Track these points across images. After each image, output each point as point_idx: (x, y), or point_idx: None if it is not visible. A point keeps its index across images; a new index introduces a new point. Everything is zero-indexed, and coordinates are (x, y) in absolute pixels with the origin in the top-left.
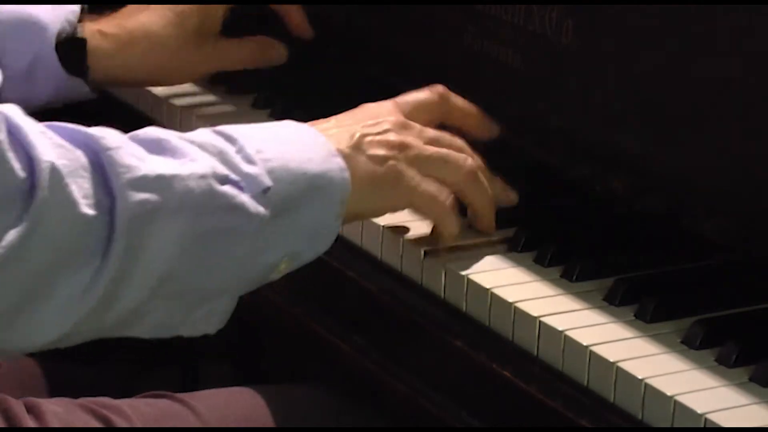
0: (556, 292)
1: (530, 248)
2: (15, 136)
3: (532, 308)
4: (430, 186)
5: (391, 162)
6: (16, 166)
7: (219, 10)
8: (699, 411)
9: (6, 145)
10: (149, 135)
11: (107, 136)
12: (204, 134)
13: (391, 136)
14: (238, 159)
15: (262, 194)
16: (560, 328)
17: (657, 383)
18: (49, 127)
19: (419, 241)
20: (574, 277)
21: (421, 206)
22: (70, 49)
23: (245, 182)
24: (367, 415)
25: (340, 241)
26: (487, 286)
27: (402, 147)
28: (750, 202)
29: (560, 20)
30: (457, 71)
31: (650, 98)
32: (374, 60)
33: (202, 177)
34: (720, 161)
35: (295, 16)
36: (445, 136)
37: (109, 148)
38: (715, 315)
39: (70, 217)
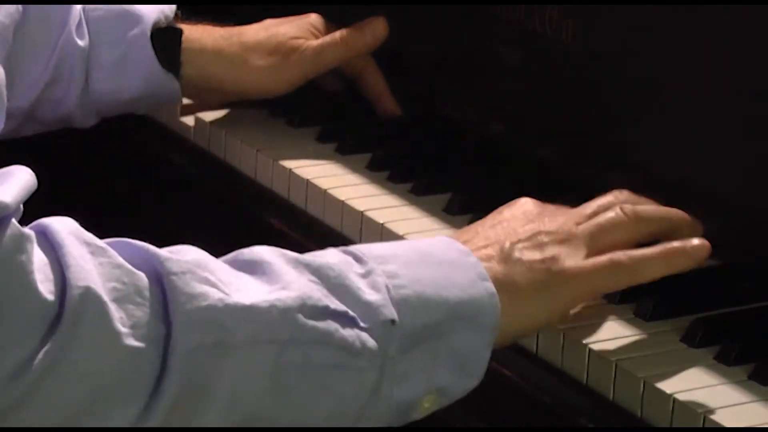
0: None
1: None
2: (54, 254)
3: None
4: (599, 259)
5: (548, 261)
6: (44, 289)
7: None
8: (698, 409)
9: (32, 266)
10: (254, 256)
11: (176, 257)
12: (329, 254)
13: (543, 237)
14: (357, 285)
15: (382, 326)
16: (559, 327)
17: (656, 381)
18: (113, 243)
19: None
20: None
21: (605, 283)
22: (165, 39)
23: (360, 313)
24: None
25: None
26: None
27: (557, 240)
28: (750, 202)
29: (560, 19)
30: (457, 70)
31: (650, 97)
32: (373, 59)
33: (285, 310)
34: (720, 161)
35: (385, 101)
36: (589, 204)
37: (172, 273)
38: (714, 313)
39: (107, 348)
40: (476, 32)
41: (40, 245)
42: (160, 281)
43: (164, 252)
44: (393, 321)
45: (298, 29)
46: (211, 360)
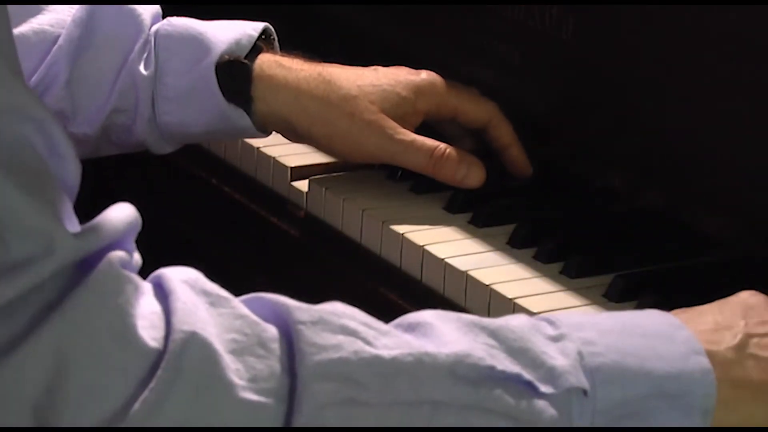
0: (556, 288)
1: (530, 245)
2: (165, 303)
3: (531, 304)
4: None
5: None
6: (146, 335)
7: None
8: None
9: (133, 311)
10: (417, 318)
11: (308, 306)
12: (515, 318)
13: None
14: (542, 349)
15: (567, 395)
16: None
17: None
18: (246, 300)
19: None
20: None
21: None
22: (232, 73)
23: (539, 377)
24: None
25: None
26: (487, 282)
27: None
28: (750, 199)
29: (561, 17)
30: (457, 68)
31: (650, 94)
32: (373, 58)
33: (435, 366)
34: (719, 157)
35: (514, 155)
36: None
37: (300, 322)
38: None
39: (216, 399)
40: (476, 29)
41: (155, 296)
42: (289, 333)
43: (297, 303)
44: (584, 391)
45: (400, 95)
46: (342, 419)
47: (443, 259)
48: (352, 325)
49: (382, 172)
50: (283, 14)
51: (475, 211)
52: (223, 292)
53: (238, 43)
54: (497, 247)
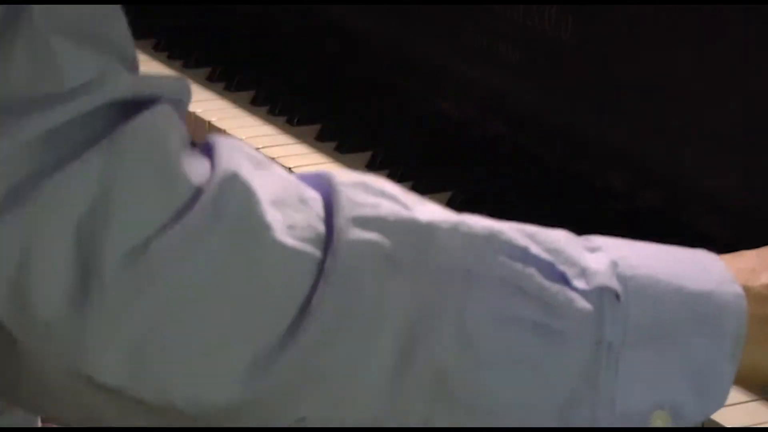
0: None
1: None
2: (209, 153)
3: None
4: None
5: None
6: (190, 171)
7: None
8: None
9: (181, 150)
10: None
11: (355, 175)
12: (553, 231)
13: None
14: (578, 251)
15: (600, 294)
16: None
17: None
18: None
19: None
20: None
21: None
22: None
23: (573, 273)
24: None
25: None
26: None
27: None
28: (749, 199)
29: (560, 17)
30: (456, 68)
31: (650, 94)
32: (373, 58)
33: (471, 236)
34: (719, 158)
35: None
36: None
37: (342, 183)
38: None
39: (252, 238)
40: (475, 29)
41: (201, 150)
42: (329, 196)
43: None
44: (617, 296)
45: None
46: (377, 277)
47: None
48: (392, 191)
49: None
50: (283, 14)
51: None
52: (267, 160)
53: None
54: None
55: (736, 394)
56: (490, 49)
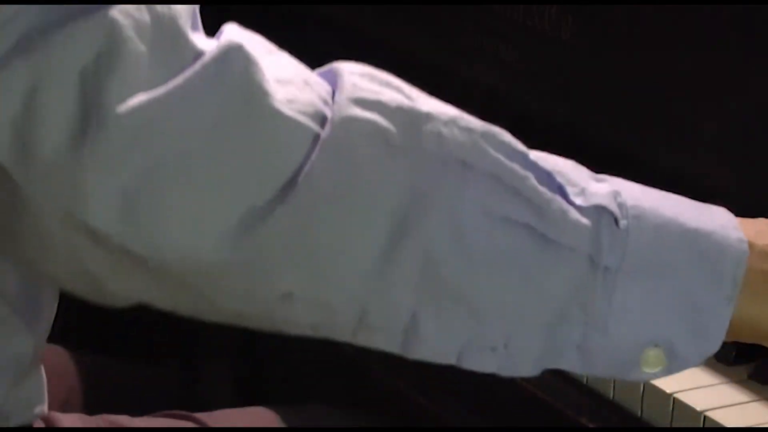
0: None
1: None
2: (220, 36)
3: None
4: None
5: None
6: (197, 40)
7: None
8: (698, 408)
9: (192, 25)
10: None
11: (365, 66)
12: (567, 160)
13: None
14: (582, 179)
15: (596, 212)
16: None
17: (656, 381)
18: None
19: None
20: None
21: None
22: None
23: (572, 190)
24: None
25: None
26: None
27: None
28: (749, 199)
29: (560, 17)
30: (456, 67)
31: (650, 94)
32: (373, 58)
33: (468, 129)
34: (719, 158)
35: None
36: None
37: (348, 71)
38: None
39: (249, 103)
40: (475, 28)
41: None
42: (335, 82)
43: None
44: (616, 220)
45: None
46: (370, 156)
47: None
48: (398, 83)
49: None
50: (283, 14)
51: None
52: (280, 50)
53: None
54: None
55: (736, 394)
56: (490, 49)
